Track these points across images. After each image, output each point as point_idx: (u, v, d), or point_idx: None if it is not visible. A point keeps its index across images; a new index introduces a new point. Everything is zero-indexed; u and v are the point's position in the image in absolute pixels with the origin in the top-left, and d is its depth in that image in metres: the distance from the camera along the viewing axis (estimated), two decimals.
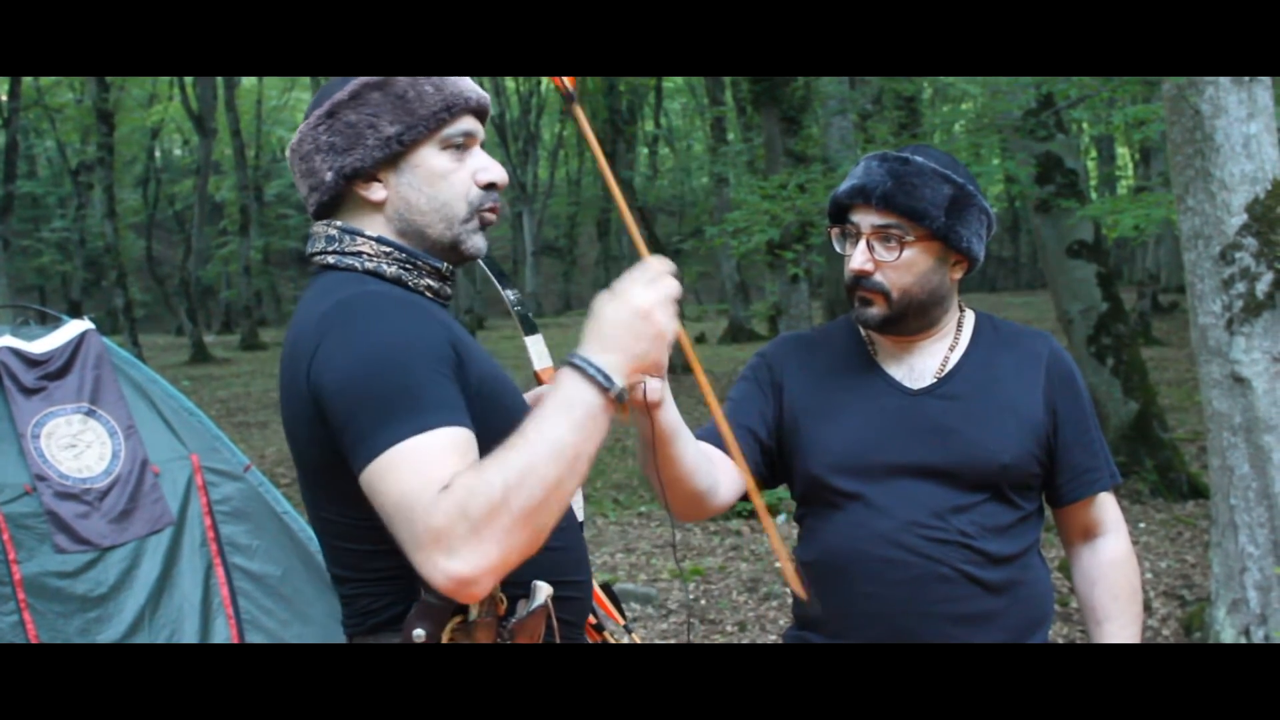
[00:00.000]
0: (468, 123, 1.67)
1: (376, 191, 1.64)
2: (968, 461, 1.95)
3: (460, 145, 1.66)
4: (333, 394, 1.47)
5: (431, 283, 1.66)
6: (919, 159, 1.98)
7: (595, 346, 1.44)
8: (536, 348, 1.99)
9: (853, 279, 1.99)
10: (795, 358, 2.11)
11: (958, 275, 2.02)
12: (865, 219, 1.97)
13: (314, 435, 1.53)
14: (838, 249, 2.04)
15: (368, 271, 1.62)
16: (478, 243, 1.68)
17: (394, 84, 1.63)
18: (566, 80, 1.72)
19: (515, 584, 1.55)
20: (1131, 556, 2.09)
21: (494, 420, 1.50)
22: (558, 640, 1.60)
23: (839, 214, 2.03)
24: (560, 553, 1.64)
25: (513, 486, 1.34)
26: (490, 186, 1.68)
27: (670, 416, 1.80)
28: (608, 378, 1.41)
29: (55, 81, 24.51)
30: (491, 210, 1.69)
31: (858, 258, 1.97)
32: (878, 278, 1.96)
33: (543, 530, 1.38)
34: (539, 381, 1.94)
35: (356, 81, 1.63)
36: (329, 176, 1.63)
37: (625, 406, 1.52)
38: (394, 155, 1.63)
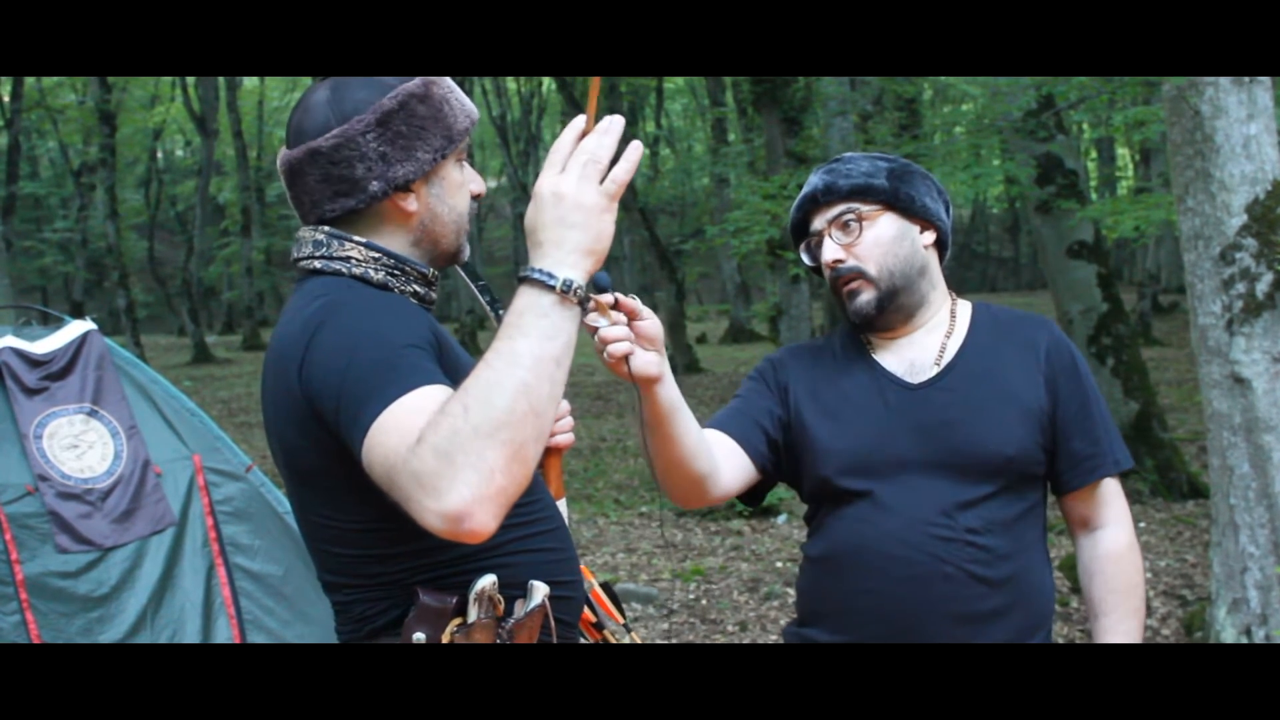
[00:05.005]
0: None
1: (411, 203, 1.65)
2: (972, 454, 1.95)
3: (465, 158, 1.72)
4: (321, 391, 1.48)
5: (418, 288, 1.67)
6: (849, 154, 2.11)
7: (532, 255, 1.42)
8: None
9: (831, 275, 2.04)
10: (799, 362, 2.14)
11: (929, 242, 2.06)
12: (820, 218, 2.05)
13: (307, 436, 1.54)
14: (808, 262, 2.10)
15: (354, 276, 1.63)
16: (467, 248, 1.75)
17: (431, 97, 1.64)
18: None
19: (512, 585, 1.56)
20: (1133, 549, 2.07)
21: None
22: (555, 640, 1.61)
23: (800, 232, 2.10)
24: (554, 554, 1.66)
25: (471, 406, 1.32)
26: (476, 197, 1.73)
27: (669, 394, 1.79)
28: (544, 272, 1.39)
29: (57, 82, 24.50)
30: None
31: (827, 251, 2.03)
32: (851, 262, 2.02)
33: (520, 444, 1.32)
34: None
35: (402, 90, 1.62)
36: (375, 186, 1.61)
37: (601, 305, 1.64)
38: (432, 168, 1.66)
